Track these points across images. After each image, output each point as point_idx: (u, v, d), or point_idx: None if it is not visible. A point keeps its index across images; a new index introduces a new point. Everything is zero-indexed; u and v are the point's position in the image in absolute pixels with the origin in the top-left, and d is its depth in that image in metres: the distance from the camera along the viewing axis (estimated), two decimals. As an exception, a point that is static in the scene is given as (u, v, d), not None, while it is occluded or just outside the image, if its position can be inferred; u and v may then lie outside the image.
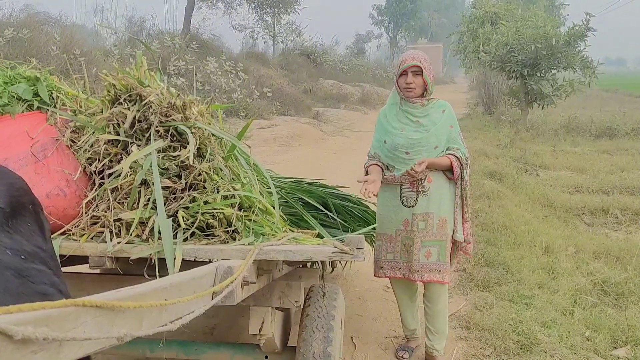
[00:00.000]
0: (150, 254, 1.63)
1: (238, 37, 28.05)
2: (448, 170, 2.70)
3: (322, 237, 2.38)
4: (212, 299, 1.38)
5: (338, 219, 3.00)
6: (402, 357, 2.96)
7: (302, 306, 2.17)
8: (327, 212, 2.93)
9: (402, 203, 2.72)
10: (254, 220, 1.95)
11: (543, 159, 10.36)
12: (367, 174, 2.74)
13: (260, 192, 2.20)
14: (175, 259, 1.59)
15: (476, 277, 4.09)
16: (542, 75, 11.58)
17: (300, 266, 3.01)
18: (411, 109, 2.71)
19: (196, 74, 13.84)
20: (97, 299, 0.86)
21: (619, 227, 6.42)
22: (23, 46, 10.60)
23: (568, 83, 11.42)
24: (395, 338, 3.21)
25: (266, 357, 2.32)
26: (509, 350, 3.01)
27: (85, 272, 2.21)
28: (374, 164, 2.77)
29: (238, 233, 1.85)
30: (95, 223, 1.82)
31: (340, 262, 3.85)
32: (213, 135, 2.00)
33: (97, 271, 2.43)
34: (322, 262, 3.69)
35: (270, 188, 2.73)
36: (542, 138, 13.21)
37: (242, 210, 1.96)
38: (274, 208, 2.35)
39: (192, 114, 1.90)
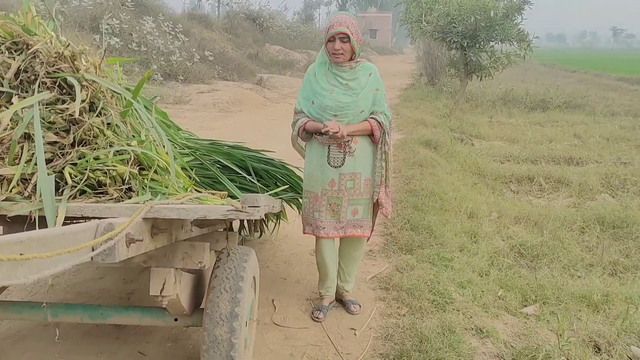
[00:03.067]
0: (31, 211, 1.53)
1: (181, -3, 26.85)
2: (371, 135, 2.77)
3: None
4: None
5: (258, 183, 2.96)
6: (317, 317, 3.00)
7: (208, 268, 2.13)
8: (245, 175, 2.89)
9: (329, 163, 2.77)
10: (153, 180, 1.88)
11: (479, 129, 10.68)
12: (304, 130, 2.80)
13: (170, 153, 2.11)
14: (57, 216, 1.50)
15: (400, 241, 4.19)
16: (480, 47, 11.83)
17: (223, 229, 2.97)
18: (340, 72, 2.73)
19: (131, 34, 13.18)
20: None
21: (542, 194, 6.76)
22: None
23: (505, 55, 11.72)
24: (316, 299, 3.25)
25: (176, 319, 2.29)
26: (423, 309, 3.11)
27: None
28: (308, 120, 2.79)
29: (133, 192, 1.78)
30: (-25, 180, 1.69)
31: (266, 225, 3.84)
32: (110, 89, 1.89)
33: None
34: (246, 225, 3.67)
35: (184, 149, 2.65)
36: (480, 109, 13.62)
37: (141, 169, 1.88)
38: (183, 168, 2.29)
39: (82, 65, 1.78)
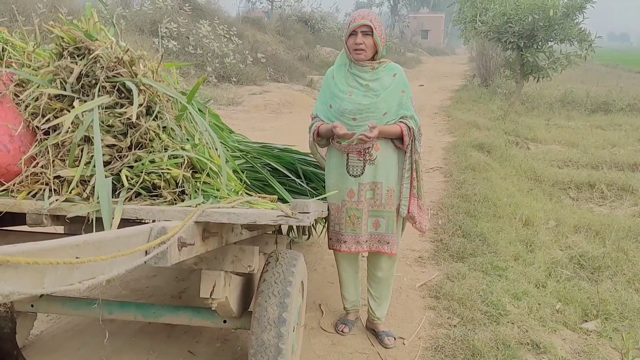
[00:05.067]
0: (88, 213, 1.57)
1: (235, 0, 27.37)
2: (397, 139, 2.56)
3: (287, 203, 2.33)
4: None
5: (307, 186, 2.95)
6: (342, 331, 2.89)
7: (257, 271, 2.13)
8: (295, 178, 2.88)
9: (348, 172, 2.59)
10: (206, 183, 1.89)
11: (535, 132, 10.28)
12: (318, 134, 2.64)
13: (222, 156, 2.13)
14: (113, 218, 1.53)
15: (451, 248, 4.07)
16: (538, 47, 11.35)
17: (272, 232, 2.99)
18: (360, 72, 2.53)
19: (188, 37, 13.56)
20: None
21: (604, 201, 6.40)
22: (8, 3, 10.33)
23: (564, 56, 11.20)
24: (363, 306, 3.20)
25: (225, 321, 2.31)
26: (475, 321, 3.00)
27: (41, 232, 2.17)
28: (322, 124, 2.61)
29: (186, 194, 1.80)
30: (38, 181, 1.75)
31: (314, 228, 3.83)
32: (165, 93, 1.92)
33: (61, 232, 2.38)
34: (295, 228, 3.67)
35: (235, 152, 2.67)
36: (536, 111, 13.12)
37: (194, 172, 1.90)
38: (234, 171, 2.30)
39: (140, 69, 1.82)
